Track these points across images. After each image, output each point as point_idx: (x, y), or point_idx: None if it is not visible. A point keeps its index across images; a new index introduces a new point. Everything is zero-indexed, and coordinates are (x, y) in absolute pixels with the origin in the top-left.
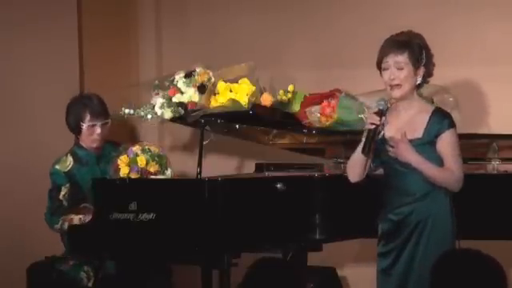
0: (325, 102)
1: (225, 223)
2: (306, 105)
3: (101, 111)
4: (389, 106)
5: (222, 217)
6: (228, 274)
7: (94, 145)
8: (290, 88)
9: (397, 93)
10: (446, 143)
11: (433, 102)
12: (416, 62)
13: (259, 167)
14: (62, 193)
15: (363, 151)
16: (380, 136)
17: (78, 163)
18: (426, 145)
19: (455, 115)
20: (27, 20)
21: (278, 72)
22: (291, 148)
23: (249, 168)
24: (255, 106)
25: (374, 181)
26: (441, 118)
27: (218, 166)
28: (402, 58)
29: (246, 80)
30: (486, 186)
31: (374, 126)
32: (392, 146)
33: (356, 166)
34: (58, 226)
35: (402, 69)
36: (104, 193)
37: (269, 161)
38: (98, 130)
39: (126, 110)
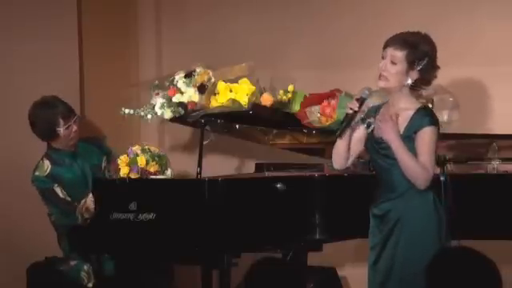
0: (325, 102)
1: (225, 223)
2: (305, 105)
3: (69, 110)
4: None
5: (222, 217)
6: (228, 274)
7: (72, 142)
8: (290, 88)
9: (381, 83)
10: (425, 139)
11: (433, 102)
12: (412, 64)
13: (259, 167)
14: (59, 191)
15: (337, 134)
16: (370, 129)
17: (56, 165)
18: (405, 140)
19: (455, 115)
20: (27, 20)
21: (278, 72)
22: (291, 148)
23: (249, 168)
24: (255, 105)
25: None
26: (423, 115)
27: (218, 165)
28: (400, 55)
29: (246, 80)
30: (486, 185)
31: (351, 111)
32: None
33: (337, 153)
34: (80, 222)
35: (395, 64)
36: (104, 193)
37: (269, 161)
38: (75, 128)
39: (126, 110)
